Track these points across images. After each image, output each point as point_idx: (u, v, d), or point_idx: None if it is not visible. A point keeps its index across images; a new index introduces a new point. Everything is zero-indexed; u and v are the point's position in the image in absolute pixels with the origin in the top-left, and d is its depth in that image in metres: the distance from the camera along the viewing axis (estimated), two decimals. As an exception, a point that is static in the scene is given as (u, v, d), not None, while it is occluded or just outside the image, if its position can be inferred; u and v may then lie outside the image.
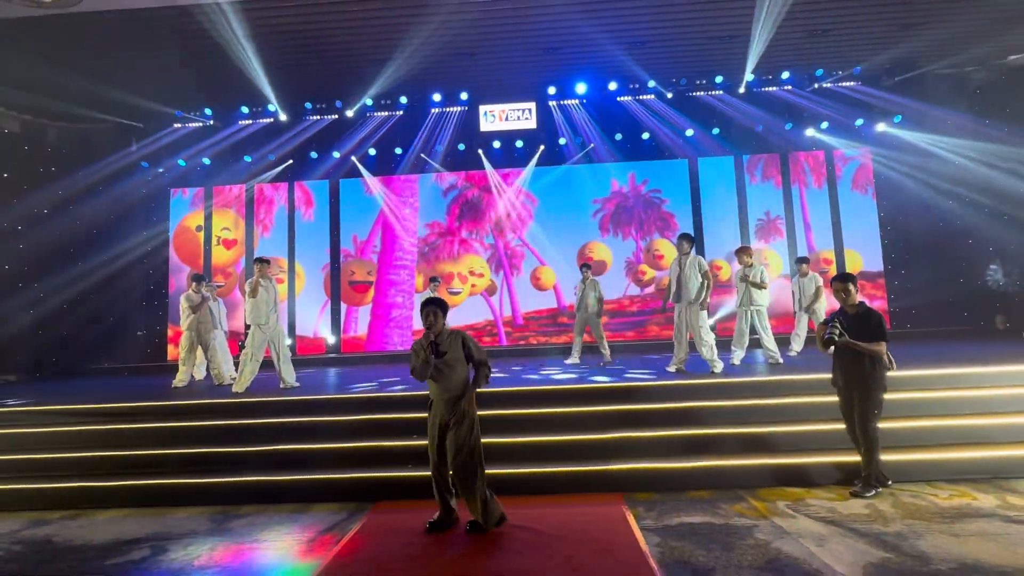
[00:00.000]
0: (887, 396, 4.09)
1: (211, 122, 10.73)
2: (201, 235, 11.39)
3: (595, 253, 11.04)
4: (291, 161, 11.16)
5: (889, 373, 4.07)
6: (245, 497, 4.47)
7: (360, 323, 11.14)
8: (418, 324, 10.56)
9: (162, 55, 8.40)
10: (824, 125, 10.59)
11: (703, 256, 9.02)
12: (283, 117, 10.58)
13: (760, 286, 6.84)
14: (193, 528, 4.00)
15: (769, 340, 6.87)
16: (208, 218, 11.40)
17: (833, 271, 10.50)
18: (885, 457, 4.12)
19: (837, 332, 3.97)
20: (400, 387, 6.19)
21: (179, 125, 10.80)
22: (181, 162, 10.92)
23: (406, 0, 7.44)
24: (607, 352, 7.92)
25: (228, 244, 11.44)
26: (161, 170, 11.02)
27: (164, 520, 4.17)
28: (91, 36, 7.88)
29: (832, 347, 4.09)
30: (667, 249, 10.97)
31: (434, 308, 3.62)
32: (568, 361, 7.97)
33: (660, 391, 5.45)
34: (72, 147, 10.50)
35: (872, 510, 3.77)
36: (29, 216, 9.64)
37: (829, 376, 4.34)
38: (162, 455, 4.94)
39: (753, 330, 6.97)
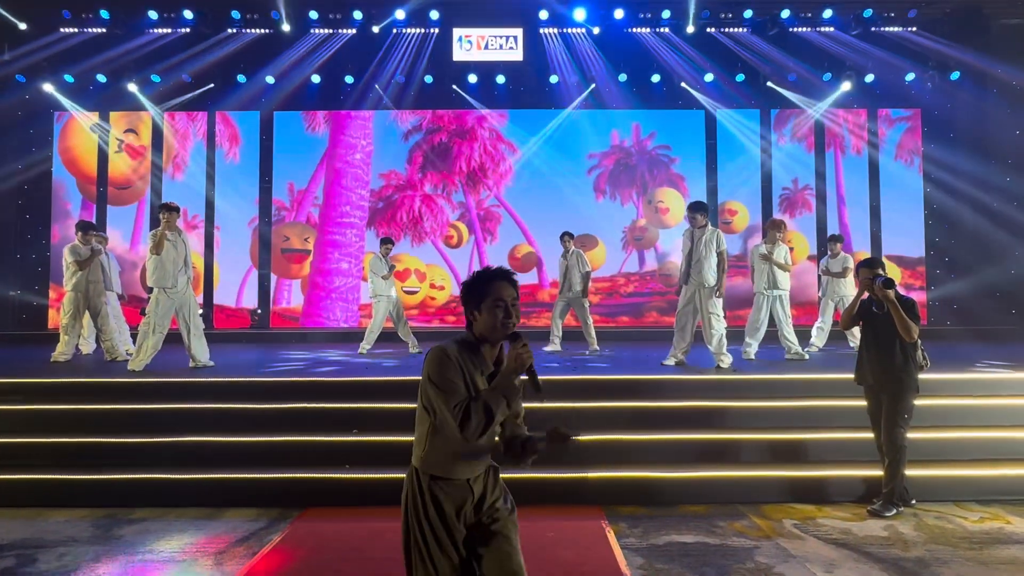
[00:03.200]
0: (917, 401, 4.21)
1: (109, 28, 10.18)
2: (95, 139, 10.89)
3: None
4: (212, 85, 10.74)
5: (921, 375, 4.19)
6: (139, 498, 4.41)
7: (295, 293, 10.96)
8: (367, 297, 10.48)
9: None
10: (869, 78, 10.66)
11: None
12: (203, 28, 10.12)
13: (785, 267, 6.94)
14: (72, 534, 3.92)
15: (789, 332, 7.00)
16: (104, 120, 10.94)
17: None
18: (909, 472, 4.26)
19: (885, 276, 4.10)
20: (339, 371, 6.12)
21: (67, 30, 10.22)
22: (68, 78, 10.39)
23: None
24: (594, 340, 7.98)
25: (133, 152, 10.97)
26: (43, 86, 10.46)
27: (35, 524, 4.08)
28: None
29: (858, 325, 4.43)
30: (673, 201, 11.01)
31: (515, 294, 2.16)
32: (547, 349, 8.01)
33: (652, 387, 5.52)
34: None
35: (891, 532, 3.91)
36: None
37: (853, 377, 4.45)
38: (35, 444, 4.81)
39: (771, 320, 7.08)
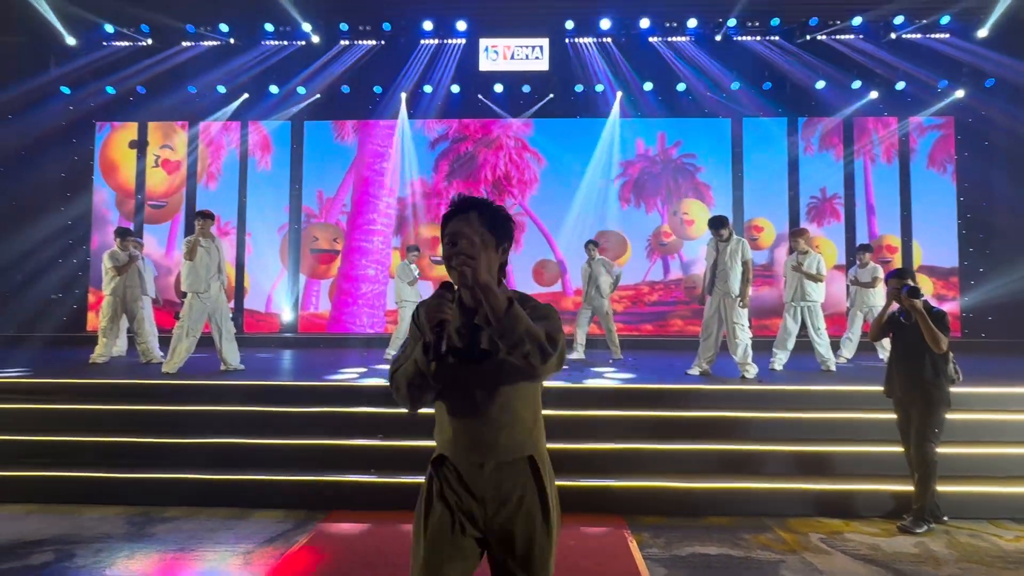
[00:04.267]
0: (949, 415, 4.11)
1: (148, 41, 10.55)
2: (134, 154, 11.23)
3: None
4: (247, 95, 11.01)
5: (952, 388, 4.09)
6: (172, 498, 4.51)
7: (323, 298, 11.12)
8: (392, 303, 10.61)
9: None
10: (900, 86, 10.46)
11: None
12: (237, 40, 10.41)
13: (816, 278, 6.84)
14: (107, 531, 4.03)
15: (822, 343, 6.88)
16: (143, 131, 11.26)
17: (897, 262, 10.50)
18: (941, 488, 4.16)
19: (912, 286, 4.03)
20: (365, 376, 6.20)
21: (109, 44, 10.61)
22: (109, 89, 10.76)
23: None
24: (617, 348, 7.94)
25: (169, 167, 11.30)
26: (85, 98, 10.85)
27: (73, 520, 4.21)
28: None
29: (887, 336, 4.32)
30: (697, 212, 10.93)
31: (472, 216, 1.69)
32: (571, 357, 8.00)
33: (676, 396, 5.47)
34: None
35: (922, 549, 3.81)
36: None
37: (882, 389, 4.37)
38: (74, 443, 4.94)
39: (802, 330, 6.98)
